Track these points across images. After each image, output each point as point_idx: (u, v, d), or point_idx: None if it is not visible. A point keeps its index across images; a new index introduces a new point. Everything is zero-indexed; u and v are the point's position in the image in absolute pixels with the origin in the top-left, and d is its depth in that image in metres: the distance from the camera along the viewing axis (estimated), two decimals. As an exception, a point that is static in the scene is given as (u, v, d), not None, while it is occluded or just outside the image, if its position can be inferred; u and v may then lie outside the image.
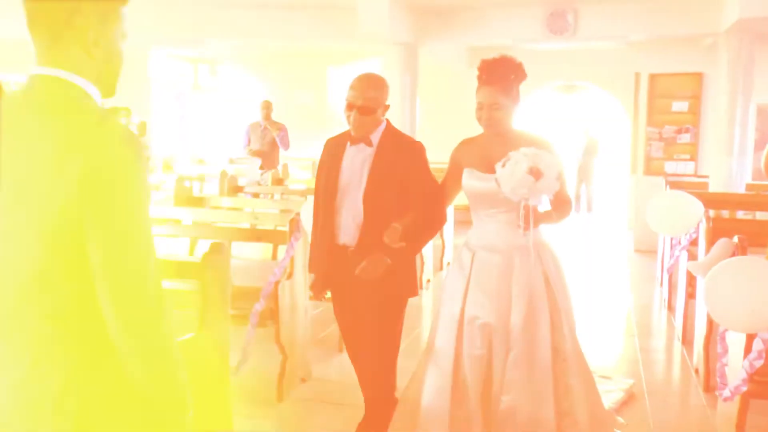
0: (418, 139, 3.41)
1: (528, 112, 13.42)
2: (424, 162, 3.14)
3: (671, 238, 6.10)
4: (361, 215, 3.04)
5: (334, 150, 3.17)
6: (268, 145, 8.52)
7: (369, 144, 3.06)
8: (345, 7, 7.50)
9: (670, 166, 9.29)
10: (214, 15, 8.06)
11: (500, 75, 2.99)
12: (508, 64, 3.01)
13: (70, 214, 1.34)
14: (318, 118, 11.07)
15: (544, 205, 3.06)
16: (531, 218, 2.87)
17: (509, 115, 3.04)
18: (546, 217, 3.02)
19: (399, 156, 3.05)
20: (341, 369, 4.38)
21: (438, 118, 10.33)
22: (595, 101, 14.37)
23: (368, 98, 2.97)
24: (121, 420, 1.47)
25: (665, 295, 6.49)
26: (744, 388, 2.98)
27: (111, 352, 1.42)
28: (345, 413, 3.03)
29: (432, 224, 3.17)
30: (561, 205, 3.07)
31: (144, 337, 1.42)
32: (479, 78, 3.04)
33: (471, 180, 3.09)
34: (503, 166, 2.80)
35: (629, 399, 4.14)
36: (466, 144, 3.24)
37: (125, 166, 1.37)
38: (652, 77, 9.36)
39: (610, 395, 4.02)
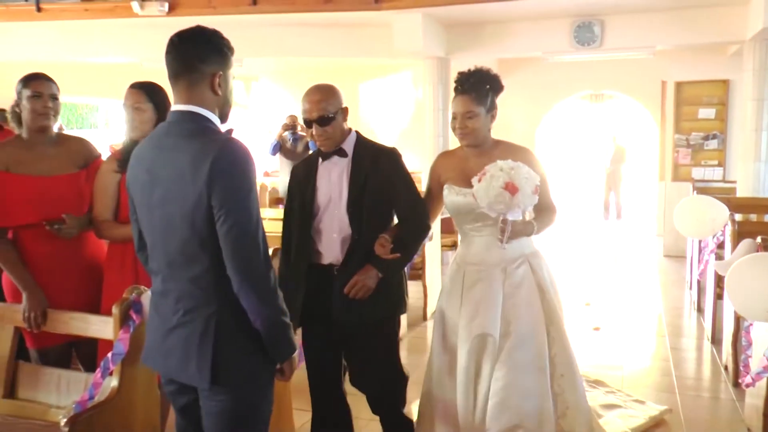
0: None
1: (557, 121, 13.61)
2: (403, 168, 3.01)
3: (699, 242, 6.28)
4: (347, 229, 2.92)
5: (304, 172, 3.05)
6: (301, 155, 8.85)
7: (343, 155, 2.95)
8: (380, 24, 7.71)
9: (697, 172, 9.36)
10: (251, 34, 8.20)
11: (474, 84, 2.95)
12: (482, 74, 2.97)
13: (202, 203, 1.94)
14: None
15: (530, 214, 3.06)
16: (507, 231, 2.80)
17: (485, 126, 2.98)
18: (527, 228, 2.94)
19: (377, 164, 2.93)
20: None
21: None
22: (622, 109, 14.45)
23: (322, 108, 2.86)
24: (245, 353, 2.06)
25: (694, 298, 6.65)
26: (765, 375, 3.16)
27: (236, 303, 1.99)
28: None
29: (419, 232, 3.06)
30: (544, 214, 3.04)
31: (258, 288, 1.98)
32: (455, 90, 3.01)
33: (450, 196, 3.04)
34: (479, 180, 2.76)
35: (656, 425, 3.99)
36: (444, 157, 3.19)
37: (239, 166, 1.96)
38: (678, 85, 9.44)
39: (631, 420, 3.93)
